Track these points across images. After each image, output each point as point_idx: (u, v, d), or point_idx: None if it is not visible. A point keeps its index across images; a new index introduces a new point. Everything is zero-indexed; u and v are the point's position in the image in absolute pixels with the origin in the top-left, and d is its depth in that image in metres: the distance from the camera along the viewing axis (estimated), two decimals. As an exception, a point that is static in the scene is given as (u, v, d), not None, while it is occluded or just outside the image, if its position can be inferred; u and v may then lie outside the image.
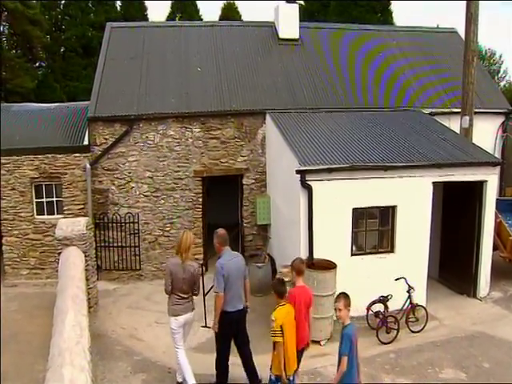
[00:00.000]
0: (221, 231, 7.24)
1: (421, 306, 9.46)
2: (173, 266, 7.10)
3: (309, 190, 9.30)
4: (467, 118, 11.85)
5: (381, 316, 9.08)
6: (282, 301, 6.38)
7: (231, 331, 7.02)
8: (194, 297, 7.39)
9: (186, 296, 7.18)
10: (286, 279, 9.45)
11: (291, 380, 6.37)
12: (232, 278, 6.90)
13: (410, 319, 9.25)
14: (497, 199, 10.88)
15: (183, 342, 7.38)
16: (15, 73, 23.24)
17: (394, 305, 9.24)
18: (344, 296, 5.99)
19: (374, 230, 10.08)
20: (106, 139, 12.38)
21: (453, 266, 11.06)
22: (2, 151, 12.10)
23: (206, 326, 9.35)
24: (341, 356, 5.74)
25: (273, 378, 6.44)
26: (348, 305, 5.89)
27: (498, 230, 11.39)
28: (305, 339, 6.69)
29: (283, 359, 6.16)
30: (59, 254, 9.72)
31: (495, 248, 11.27)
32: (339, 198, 9.48)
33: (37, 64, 28.83)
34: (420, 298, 9.65)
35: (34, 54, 27.83)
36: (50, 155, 12.31)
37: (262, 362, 8.21)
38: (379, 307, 9.24)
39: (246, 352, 7.29)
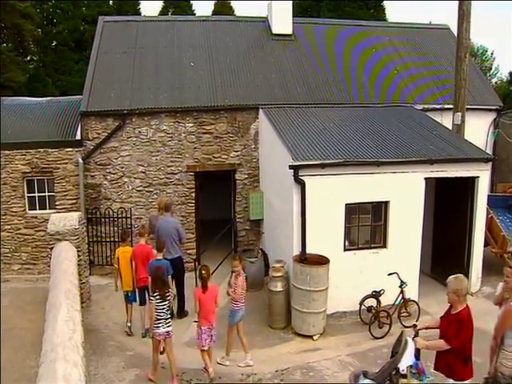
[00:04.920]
0: (167, 202, 10.50)
1: (413, 300, 9.52)
2: (150, 217, 11.24)
3: (302, 185, 9.31)
4: (459, 114, 11.90)
5: (373, 311, 9.13)
6: (124, 243, 9.36)
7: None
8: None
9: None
10: (278, 274, 9.52)
11: (130, 294, 9.15)
12: (161, 234, 9.70)
13: (403, 314, 9.31)
14: (488, 195, 10.95)
15: None
16: (6, 67, 23.05)
17: (387, 300, 9.29)
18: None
19: (367, 225, 10.11)
20: (98, 134, 12.31)
21: (445, 261, 11.12)
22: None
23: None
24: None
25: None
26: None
27: (490, 226, 11.47)
28: (145, 280, 8.89)
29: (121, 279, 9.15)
30: (51, 249, 9.70)
31: (487, 244, 11.35)
32: (332, 194, 9.50)
33: (28, 58, 28.63)
34: (412, 292, 9.70)
35: (25, 48, 27.65)
36: (41, 150, 12.23)
37: (257, 356, 8.33)
38: (372, 302, 9.29)
39: (179, 290, 9.89)
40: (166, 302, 7.36)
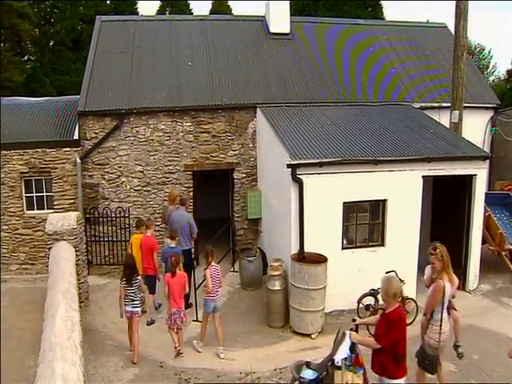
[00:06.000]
0: (183, 197, 11.31)
1: (411, 298, 9.51)
2: (163, 207, 11.81)
3: (299, 183, 9.32)
4: (457, 112, 11.91)
5: (371, 309, 9.13)
6: (138, 231, 9.99)
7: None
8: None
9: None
10: (276, 273, 9.53)
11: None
12: (174, 226, 10.13)
13: (401, 312, 9.30)
14: (486, 193, 10.96)
15: None
16: (4, 67, 23.01)
17: (385, 298, 9.28)
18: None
19: (365, 223, 10.12)
20: (96, 133, 12.31)
21: (443, 259, 11.12)
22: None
23: (197, 320, 9.42)
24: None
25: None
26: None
27: (487, 224, 11.49)
28: (147, 270, 9.55)
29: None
30: (49, 248, 9.70)
31: (484, 241, 11.37)
32: (330, 192, 9.51)
33: (25, 58, 28.58)
34: (410, 290, 9.68)
35: (22, 48, 27.60)
36: (39, 150, 12.21)
37: (255, 355, 8.34)
38: (370, 300, 9.29)
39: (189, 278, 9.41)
40: (132, 287, 8.18)
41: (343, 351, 5.80)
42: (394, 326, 5.55)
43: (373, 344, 5.73)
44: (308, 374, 5.96)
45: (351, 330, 6.08)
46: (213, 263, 8.46)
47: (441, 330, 6.38)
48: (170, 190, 12.06)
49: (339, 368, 5.76)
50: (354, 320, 6.39)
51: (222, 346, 8.39)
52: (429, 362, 6.42)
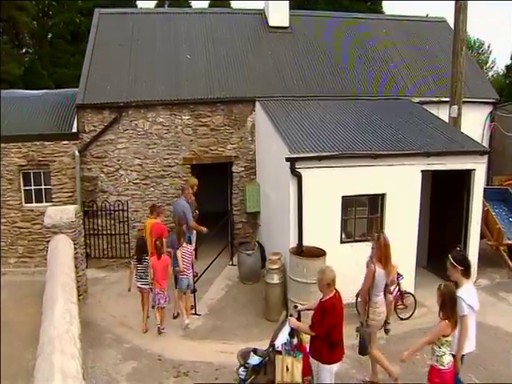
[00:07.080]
0: (183, 186, 11.58)
1: (409, 293, 9.55)
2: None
3: (298, 177, 9.30)
4: (456, 107, 11.89)
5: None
6: (152, 216, 10.50)
7: None
8: None
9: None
10: (275, 266, 9.54)
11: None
12: (175, 214, 10.79)
13: (399, 306, 9.33)
14: (484, 188, 10.96)
15: None
16: (2, 59, 22.91)
17: (383, 292, 9.29)
18: None
19: (363, 217, 10.12)
20: (94, 126, 12.28)
21: (441, 253, 11.05)
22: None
23: (195, 314, 9.45)
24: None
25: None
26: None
27: (486, 219, 11.51)
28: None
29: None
30: (48, 242, 9.69)
31: (482, 236, 11.38)
32: (329, 186, 9.49)
33: (24, 50, 28.46)
34: (408, 285, 9.73)
35: (20, 40, 27.46)
36: (38, 142, 12.19)
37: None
38: (368, 294, 9.29)
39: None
40: (142, 265, 9.04)
41: (283, 336, 6.07)
42: (327, 314, 5.81)
43: (307, 331, 6.02)
44: (253, 360, 6.21)
45: (291, 316, 6.34)
46: (184, 244, 9.17)
47: (377, 311, 6.86)
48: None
49: (280, 353, 5.99)
50: (295, 307, 6.69)
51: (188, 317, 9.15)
52: (360, 344, 6.83)
